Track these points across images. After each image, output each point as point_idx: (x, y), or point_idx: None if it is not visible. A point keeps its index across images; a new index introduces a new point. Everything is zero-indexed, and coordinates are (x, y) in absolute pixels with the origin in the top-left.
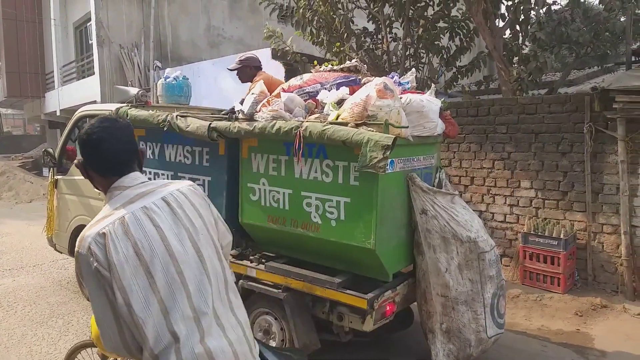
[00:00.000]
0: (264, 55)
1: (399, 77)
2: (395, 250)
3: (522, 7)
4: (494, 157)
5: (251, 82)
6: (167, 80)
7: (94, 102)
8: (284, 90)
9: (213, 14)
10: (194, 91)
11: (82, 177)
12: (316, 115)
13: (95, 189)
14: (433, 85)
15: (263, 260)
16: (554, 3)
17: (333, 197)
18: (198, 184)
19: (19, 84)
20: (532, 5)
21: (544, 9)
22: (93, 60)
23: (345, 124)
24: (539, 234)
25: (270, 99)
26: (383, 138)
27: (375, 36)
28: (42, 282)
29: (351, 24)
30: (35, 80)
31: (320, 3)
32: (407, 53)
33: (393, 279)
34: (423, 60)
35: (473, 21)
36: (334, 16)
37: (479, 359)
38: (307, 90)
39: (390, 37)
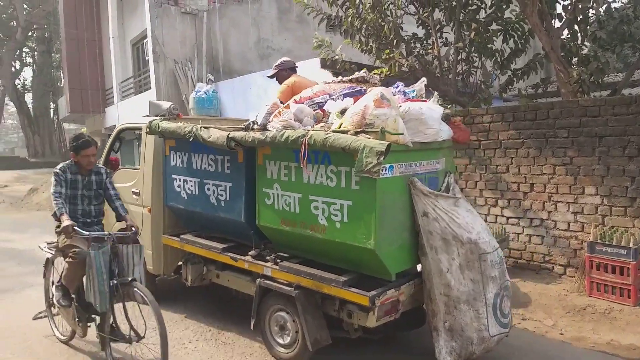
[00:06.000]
0: (312, 65)
1: (404, 87)
2: (398, 251)
3: (580, 6)
4: (555, 163)
5: None
6: (198, 94)
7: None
8: (295, 102)
9: (262, 26)
10: (245, 103)
11: (123, 184)
12: (322, 124)
13: (133, 195)
14: (436, 93)
15: (278, 260)
16: (615, 1)
17: (337, 200)
18: (221, 190)
19: (81, 100)
20: (591, 4)
21: (604, 7)
22: (149, 75)
23: (346, 132)
24: (607, 242)
25: (281, 110)
26: (377, 145)
27: (425, 41)
28: None
29: (400, 30)
30: (96, 96)
31: (369, 11)
32: (459, 57)
33: (398, 279)
34: (476, 64)
35: (528, 22)
36: (383, 23)
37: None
38: (316, 101)
39: (441, 42)
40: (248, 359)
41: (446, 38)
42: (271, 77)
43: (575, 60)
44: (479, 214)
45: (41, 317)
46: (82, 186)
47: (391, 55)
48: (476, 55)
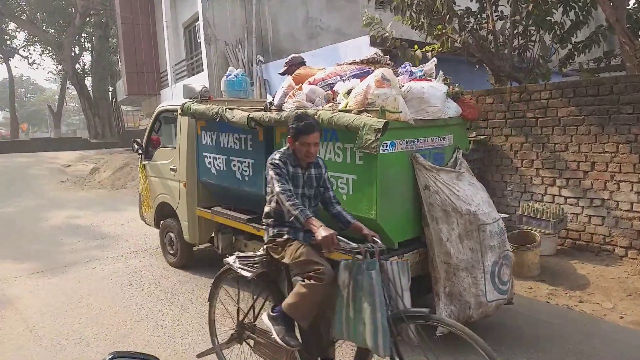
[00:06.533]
0: (362, 43)
1: (412, 67)
2: (401, 221)
3: None
4: (618, 140)
5: None
6: (229, 77)
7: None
8: (309, 83)
9: (311, 5)
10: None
11: (163, 161)
12: (331, 104)
13: (171, 171)
14: (441, 72)
15: None
16: None
17: (343, 174)
18: (245, 166)
19: (137, 83)
20: None
21: None
22: (201, 57)
23: (350, 111)
24: None
25: (294, 92)
26: (376, 122)
27: (479, 16)
28: (163, 263)
29: (453, 5)
30: (151, 79)
31: None
32: (515, 31)
33: (403, 247)
34: (533, 39)
35: None
36: None
37: None
38: (328, 82)
39: (496, 16)
40: None
41: (501, 11)
42: (282, 74)
43: None
44: (483, 189)
45: (207, 354)
46: (303, 183)
47: (443, 31)
48: (534, 28)
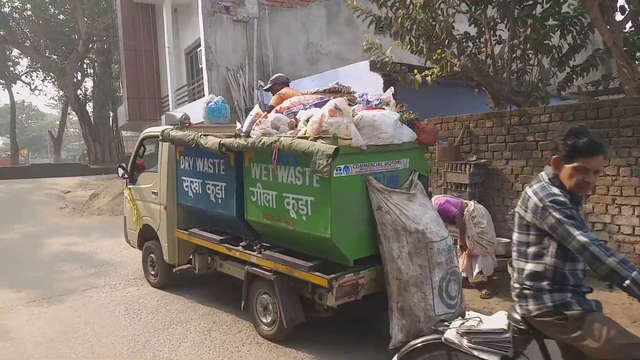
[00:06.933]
0: (362, 68)
1: (369, 97)
2: (356, 240)
3: None
4: (619, 163)
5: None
6: (209, 104)
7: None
8: (276, 112)
9: (311, 31)
10: None
11: (146, 185)
12: (292, 131)
13: (153, 194)
14: (392, 100)
15: (262, 249)
16: None
17: (303, 196)
18: (218, 189)
19: (138, 109)
20: None
21: None
22: (203, 83)
23: (307, 138)
24: None
25: (261, 120)
26: (327, 148)
27: (477, 40)
28: (161, 291)
29: (452, 29)
30: (153, 104)
31: (420, 11)
32: (514, 55)
33: (360, 265)
34: (532, 62)
35: (587, 16)
36: (434, 23)
37: None
38: (293, 111)
39: (494, 40)
40: None
41: (499, 36)
42: (267, 90)
43: (639, 55)
44: (433, 209)
45: None
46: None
47: (442, 56)
48: (532, 52)
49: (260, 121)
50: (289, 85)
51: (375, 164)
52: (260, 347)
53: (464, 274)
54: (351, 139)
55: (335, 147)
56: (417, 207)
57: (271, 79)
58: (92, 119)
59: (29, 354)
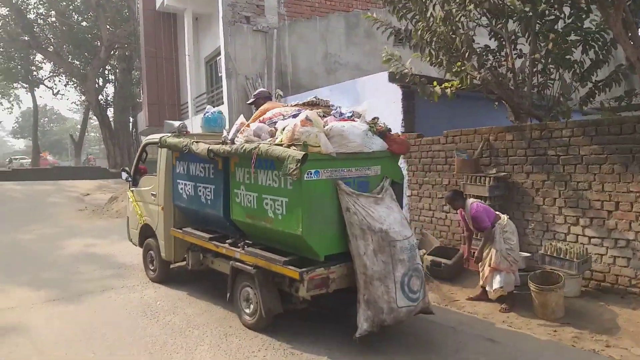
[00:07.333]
0: (380, 79)
1: (342, 109)
2: (326, 237)
3: None
4: None
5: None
6: (206, 114)
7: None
8: (259, 122)
9: (330, 42)
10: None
11: (146, 187)
12: (271, 139)
13: (152, 196)
14: (364, 111)
15: (245, 246)
16: None
17: (279, 197)
18: (208, 191)
19: (158, 115)
20: None
21: None
22: (222, 91)
23: (281, 145)
24: None
25: (244, 128)
26: (297, 154)
27: (498, 53)
28: (179, 293)
29: (472, 42)
30: (172, 111)
31: (440, 23)
32: (535, 69)
33: (331, 261)
34: (553, 77)
35: (610, 32)
36: (454, 36)
37: None
38: (274, 121)
39: (515, 54)
40: None
41: (520, 50)
42: (250, 104)
43: None
44: (399, 211)
45: None
46: None
47: (462, 68)
48: (553, 66)
49: (244, 130)
50: (271, 99)
51: (345, 170)
52: (276, 352)
53: (487, 287)
54: (318, 146)
55: (305, 153)
56: (383, 210)
57: (254, 93)
58: (112, 123)
59: (49, 353)
